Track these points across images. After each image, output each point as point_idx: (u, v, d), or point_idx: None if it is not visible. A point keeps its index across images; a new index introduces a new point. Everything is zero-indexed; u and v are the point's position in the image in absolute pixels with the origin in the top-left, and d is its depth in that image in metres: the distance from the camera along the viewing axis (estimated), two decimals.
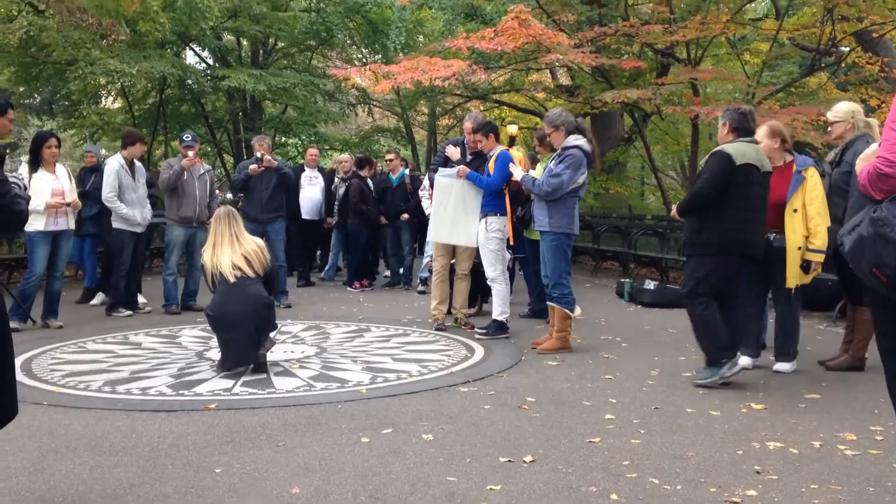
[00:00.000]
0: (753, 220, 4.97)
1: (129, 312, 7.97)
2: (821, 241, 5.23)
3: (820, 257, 5.24)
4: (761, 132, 5.46)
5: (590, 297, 9.34)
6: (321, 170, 11.12)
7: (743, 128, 5.02)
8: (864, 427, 4.10)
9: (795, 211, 5.28)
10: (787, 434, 3.98)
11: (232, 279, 5.35)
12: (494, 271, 6.71)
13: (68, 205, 7.10)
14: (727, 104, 11.20)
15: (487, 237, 6.69)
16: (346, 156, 11.52)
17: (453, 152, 7.07)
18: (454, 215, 6.84)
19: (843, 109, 5.48)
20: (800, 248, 5.25)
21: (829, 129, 5.58)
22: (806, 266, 5.27)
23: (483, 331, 6.68)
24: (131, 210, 7.87)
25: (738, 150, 4.88)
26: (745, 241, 4.94)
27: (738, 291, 5.23)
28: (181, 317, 7.91)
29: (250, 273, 5.42)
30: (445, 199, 6.90)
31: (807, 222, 5.26)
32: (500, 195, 6.68)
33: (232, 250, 5.46)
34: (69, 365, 5.69)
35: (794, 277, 5.29)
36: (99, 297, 8.69)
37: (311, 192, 10.34)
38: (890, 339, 2.58)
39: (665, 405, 4.56)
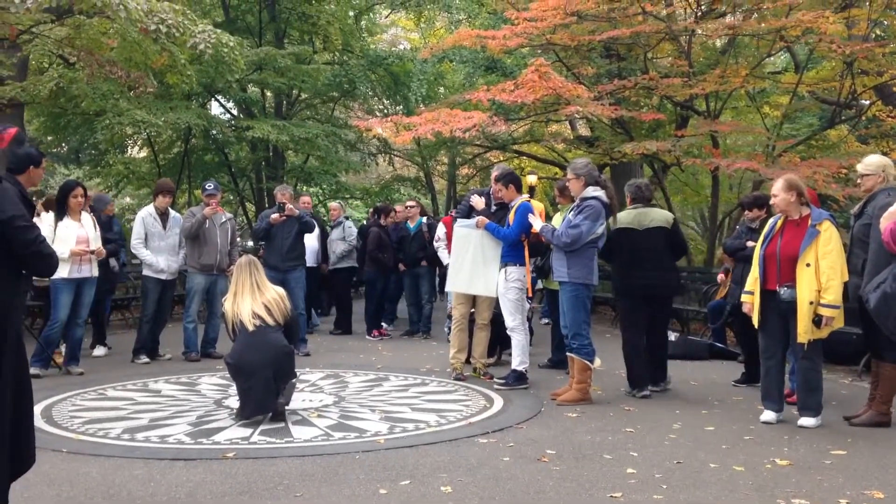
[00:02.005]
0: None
1: (148, 360, 8.01)
2: (833, 296, 5.16)
3: (833, 312, 5.17)
4: (778, 186, 5.47)
5: (610, 347, 9.24)
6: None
7: (639, 197, 6.66)
8: (892, 484, 4.01)
9: (808, 265, 5.21)
10: (813, 491, 3.90)
11: (251, 328, 5.38)
12: (514, 321, 6.70)
13: (93, 252, 7.21)
14: (748, 156, 11.29)
15: (507, 287, 6.69)
16: (334, 203, 11.66)
17: (478, 202, 7.11)
18: (472, 265, 6.86)
19: (874, 163, 5.46)
20: (811, 302, 5.18)
21: (859, 181, 5.55)
22: (818, 321, 5.20)
23: (502, 381, 6.64)
24: (156, 257, 8.01)
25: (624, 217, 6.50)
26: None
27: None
28: (200, 364, 7.93)
29: (270, 322, 5.45)
30: (464, 249, 6.93)
31: (819, 276, 5.21)
32: (519, 245, 6.69)
33: (252, 299, 5.50)
34: (89, 412, 5.70)
35: (805, 332, 5.21)
36: (101, 349, 8.67)
37: (307, 240, 10.37)
38: None
39: (688, 460, 4.49)
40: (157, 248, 8.10)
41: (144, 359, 8.00)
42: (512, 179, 6.99)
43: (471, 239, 6.91)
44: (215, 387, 6.71)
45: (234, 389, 6.51)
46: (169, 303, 8.50)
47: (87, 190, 7.59)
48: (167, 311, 8.50)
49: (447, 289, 7.51)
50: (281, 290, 5.76)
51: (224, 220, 8.46)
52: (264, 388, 5.27)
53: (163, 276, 8.11)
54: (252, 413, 5.37)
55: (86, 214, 7.37)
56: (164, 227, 8.18)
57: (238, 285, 5.58)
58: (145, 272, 8.10)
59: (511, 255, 6.71)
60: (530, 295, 6.72)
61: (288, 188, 9.24)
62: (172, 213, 8.41)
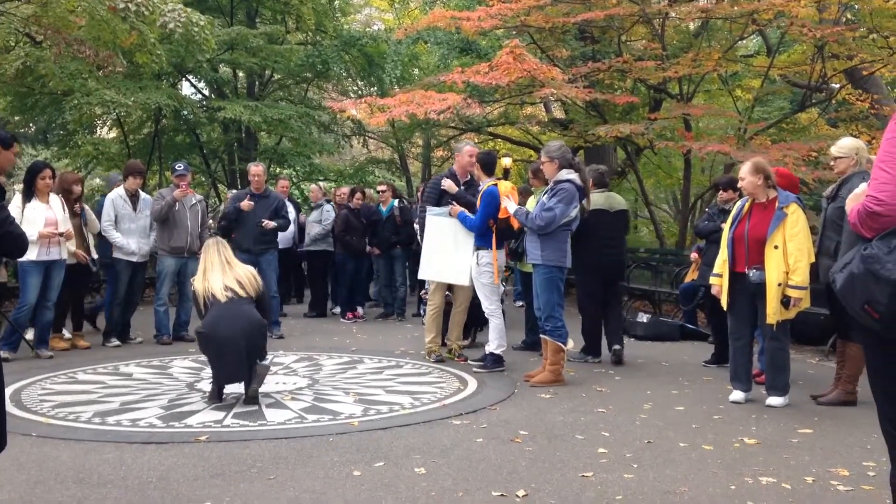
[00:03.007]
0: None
1: (119, 343, 7.94)
2: (800, 277, 5.25)
3: (800, 293, 5.25)
4: (745, 169, 5.53)
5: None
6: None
7: (601, 183, 7.23)
8: (857, 463, 4.09)
9: (776, 247, 5.29)
10: (780, 469, 3.97)
11: (224, 299, 5.34)
12: (491, 305, 6.71)
13: (61, 234, 7.11)
14: (719, 139, 11.37)
15: (479, 271, 6.70)
16: (315, 186, 11.59)
17: (450, 186, 7.08)
18: (444, 253, 6.88)
19: (848, 146, 5.51)
20: (780, 284, 5.26)
21: (832, 163, 5.61)
22: (786, 302, 5.28)
23: (480, 363, 6.66)
24: (126, 239, 7.93)
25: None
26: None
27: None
28: (172, 347, 7.88)
29: (242, 294, 5.42)
30: (436, 236, 6.95)
31: (787, 258, 5.28)
32: (488, 231, 6.66)
33: (223, 274, 5.46)
34: (59, 396, 5.65)
35: (774, 313, 5.30)
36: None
37: None
38: (882, 376, 2.58)
39: (658, 439, 4.54)
40: (127, 231, 8.00)
41: (115, 342, 7.92)
42: (483, 159, 6.93)
43: (443, 227, 6.93)
44: (187, 370, 6.67)
45: (206, 372, 6.49)
46: (140, 285, 8.40)
47: (55, 171, 7.49)
48: (138, 293, 8.40)
49: (420, 276, 7.50)
50: (251, 268, 5.74)
51: (194, 201, 8.36)
52: (237, 358, 5.22)
53: (133, 259, 8.02)
54: (225, 381, 5.36)
55: (54, 196, 7.26)
56: (135, 209, 8.07)
57: (207, 263, 5.54)
58: (115, 254, 7.99)
59: (483, 241, 6.70)
60: (496, 281, 6.67)
61: (261, 165, 9.07)
62: (143, 194, 8.29)
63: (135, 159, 11.31)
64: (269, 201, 8.63)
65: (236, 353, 5.20)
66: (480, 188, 6.75)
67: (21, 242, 3.07)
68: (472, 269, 6.74)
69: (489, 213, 6.54)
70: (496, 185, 6.65)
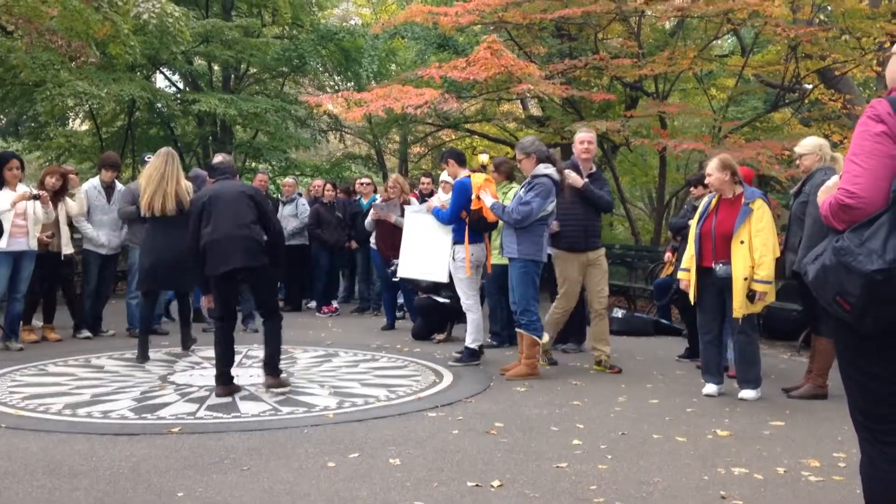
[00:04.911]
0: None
1: (90, 335, 7.84)
2: (766, 271, 5.32)
3: (765, 287, 5.32)
4: (712, 165, 5.61)
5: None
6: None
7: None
8: (828, 454, 4.14)
9: (742, 242, 5.36)
10: (752, 460, 4.01)
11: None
12: (468, 299, 6.70)
13: (37, 197, 7.05)
14: (694, 138, 11.45)
15: (456, 266, 6.69)
16: (289, 179, 11.44)
17: (575, 179, 6.53)
18: (422, 251, 6.92)
19: (810, 143, 5.65)
20: (746, 278, 5.33)
21: (797, 161, 5.72)
22: (752, 296, 5.35)
23: (457, 357, 6.66)
24: (96, 231, 7.85)
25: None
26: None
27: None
28: None
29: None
30: (414, 234, 7.00)
31: (752, 253, 5.35)
32: (462, 224, 6.62)
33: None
34: (29, 388, 5.57)
35: (740, 307, 5.36)
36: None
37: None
38: (853, 367, 2.60)
39: (632, 431, 4.57)
40: (99, 223, 7.94)
41: (86, 333, 7.83)
42: (450, 155, 6.95)
43: (420, 224, 6.95)
44: (160, 363, 6.60)
45: (179, 365, 6.46)
46: (110, 278, 8.32)
47: (24, 162, 7.40)
48: (108, 286, 8.32)
49: (399, 275, 7.48)
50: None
51: None
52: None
53: (103, 251, 7.95)
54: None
55: (23, 186, 7.17)
56: (109, 201, 8.01)
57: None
58: (86, 246, 7.94)
59: (458, 235, 6.69)
60: (468, 273, 6.62)
61: (228, 157, 8.87)
62: (118, 185, 8.20)
63: (110, 151, 11.17)
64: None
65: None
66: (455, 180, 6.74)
67: None
68: (449, 264, 6.74)
69: (460, 204, 6.52)
70: (469, 177, 6.62)
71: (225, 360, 5.39)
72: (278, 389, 5.39)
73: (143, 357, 6.57)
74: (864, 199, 2.36)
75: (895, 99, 2.41)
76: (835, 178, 2.57)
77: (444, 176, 7.31)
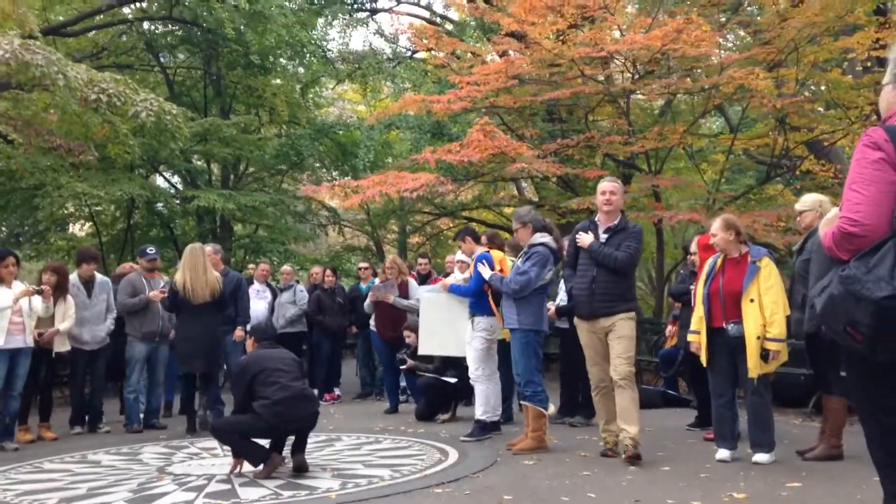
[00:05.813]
0: None
1: (81, 430, 7.70)
2: (778, 329, 5.25)
3: (778, 346, 5.24)
4: (716, 225, 5.62)
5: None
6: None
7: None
8: None
9: (752, 301, 5.31)
10: None
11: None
12: (477, 371, 6.61)
13: (40, 292, 7.04)
14: (689, 209, 11.51)
15: (473, 336, 6.64)
16: (286, 267, 11.45)
17: (582, 241, 5.99)
18: (442, 327, 6.98)
19: (810, 199, 5.72)
20: (758, 337, 5.25)
21: (798, 219, 5.74)
22: (765, 355, 5.26)
23: (468, 435, 6.51)
24: (79, 328, 7.69)
25: None
26: None
27: None
28: (143, 435, 7.56)
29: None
30: (432, 312, 7.09)
31: (763, 311, 5.29)
32: (483, 296, 6.64)
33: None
34: (24, 485, 5.42)
35: (755, 367, 5.27)
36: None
37: (257, 306, 10.06)
38: (869, 402, 2.52)
39: (646, 498, 4.42)
40: (81, 320, 7.67)
41: (78, 429, 7.71)
42: (466, 232, 7.22)
43: (437, 302, 7.06)
44: (159, 455, 6.44)
45: (177, 456, 6.32)
46: (101, 371, 8.06)
47: (20, 258, 7.41)
48: (102, 379, 8.08)
49: (420, 352, 7.46)
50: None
51: (163, 284, 8.19)
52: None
53: (87, 348, 7.77)
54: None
55: (19, 283, 7.14)
56: (89, 296, 7.83)
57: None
58: (72, 344, 7.65)
59: (477, 307, 6.67)
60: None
61: (217, 247, 8.78)
62: (98, 277, 8.02)
63: (85, 245, 11.17)
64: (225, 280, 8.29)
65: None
66: (473, 256, 6.81)
67: None
68: (466, 333, 6.70)
69: (483, 277, 6.53)
70: (489, 251, 6.71)
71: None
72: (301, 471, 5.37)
73: (192, 429, 7.34)
74: (867, 226, 2.34)
75: (891, 127, 2.41)
76: (834, 211, 2.55)
77: (459, 255, 7.36)
